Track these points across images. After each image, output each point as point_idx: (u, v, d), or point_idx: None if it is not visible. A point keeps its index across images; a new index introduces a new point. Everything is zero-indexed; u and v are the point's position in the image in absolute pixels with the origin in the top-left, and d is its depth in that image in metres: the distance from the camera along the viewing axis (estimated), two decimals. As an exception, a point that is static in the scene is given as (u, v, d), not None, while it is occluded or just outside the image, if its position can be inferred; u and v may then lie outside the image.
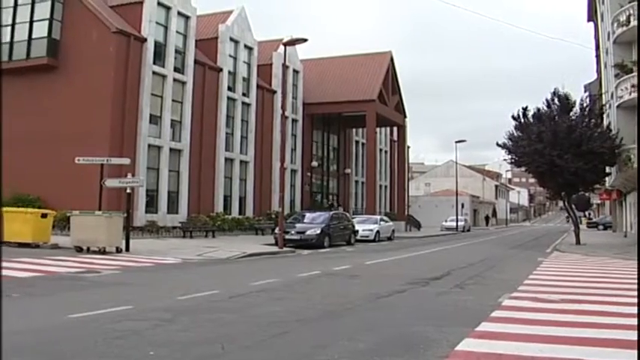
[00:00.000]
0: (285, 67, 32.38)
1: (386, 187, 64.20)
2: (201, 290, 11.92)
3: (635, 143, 30.15)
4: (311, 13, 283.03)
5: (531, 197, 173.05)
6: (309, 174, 49.96)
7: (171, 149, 34.69)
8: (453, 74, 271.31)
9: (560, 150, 31.56)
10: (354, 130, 58.66)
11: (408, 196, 67.16)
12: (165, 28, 34.87)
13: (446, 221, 68.65)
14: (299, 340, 7.99)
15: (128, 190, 23.11)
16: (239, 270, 17.97)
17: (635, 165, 30.54)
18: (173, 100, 35.05)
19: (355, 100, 48.97)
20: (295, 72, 48.89)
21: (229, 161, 40.12)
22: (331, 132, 55.21)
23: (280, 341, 7.77)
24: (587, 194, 67.88)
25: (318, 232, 28.73)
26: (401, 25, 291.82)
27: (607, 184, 46.11)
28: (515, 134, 35.25)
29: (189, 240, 30.07)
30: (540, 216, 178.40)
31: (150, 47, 33.28)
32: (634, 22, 31.82)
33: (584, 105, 34.98)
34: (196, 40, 37.13)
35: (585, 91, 49.26)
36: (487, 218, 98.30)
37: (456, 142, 66.22)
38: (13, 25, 33.53)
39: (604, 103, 40.86)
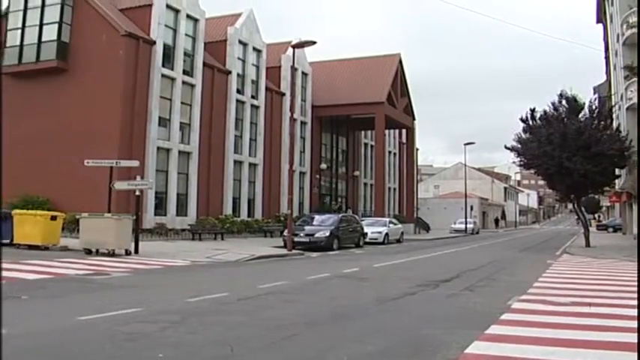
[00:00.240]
0: (293, 69, 32.36)
1: (395, 189, 64.13)
2: (211, 293, 11.91)
3: (636, 145, 30.05)
4: (319, 15, 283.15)
5: (540, 199, 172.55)
6: (317, 176, 49.93)
7: (180, 152, 34.73)
8: (461, 75, 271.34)
9: (569, 152, 31.48)
10: (362, 132, 58.61)
11: (416, 198, 67.10)
12: (174, 30, 34.94)
13: (455, 223, 68.51)
14: (308, 342, 7.98)
15: (137, 193, 23.15)
16: (248, 272, 17.96)
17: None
18: (182, 103, 35.10)
19: (364, 102, 48.90)
20: (304, 74, 48.89)
21: (238, 164, 40.14)
22: (340, 134, 55.16)
23: (289, 344, 7.77)
24: (596, 196, 67.62)
25: (327, 234, 28.70)
26: (409, 27, 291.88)
27: (617, 187, 45.96)
28: (524, 137, 35.18)
29: (198, 242, 30.09)
30: (550, 218, 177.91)
31: (159, 50, 33.34)
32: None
33: (594, 107, 34.84)
34: (205, 43, 37.18)
35: (595, 93, 49.09)
36: (497, 221, 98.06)
37: (465, 144, 66.14)
38: (23, 29, 33.67)
39: (613, 104, 40.75)
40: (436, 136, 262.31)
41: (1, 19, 33.55)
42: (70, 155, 30.12)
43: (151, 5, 33.62)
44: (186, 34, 35.58)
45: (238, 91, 40.31)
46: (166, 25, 34.28)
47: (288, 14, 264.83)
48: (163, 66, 33.71)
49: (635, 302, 11.13)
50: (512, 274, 18.65)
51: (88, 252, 20.54)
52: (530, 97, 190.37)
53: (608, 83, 51.53)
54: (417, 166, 71.00)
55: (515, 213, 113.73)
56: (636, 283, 15.05)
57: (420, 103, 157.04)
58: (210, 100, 37.37)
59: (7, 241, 21.90)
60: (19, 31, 33.75)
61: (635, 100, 32.91)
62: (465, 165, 73.00)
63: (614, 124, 37.46)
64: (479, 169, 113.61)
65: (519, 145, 35.42)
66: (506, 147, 36.60)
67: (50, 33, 32.97)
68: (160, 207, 33.46)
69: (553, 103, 34.86)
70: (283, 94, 45.14)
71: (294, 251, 26.03)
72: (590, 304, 11.36)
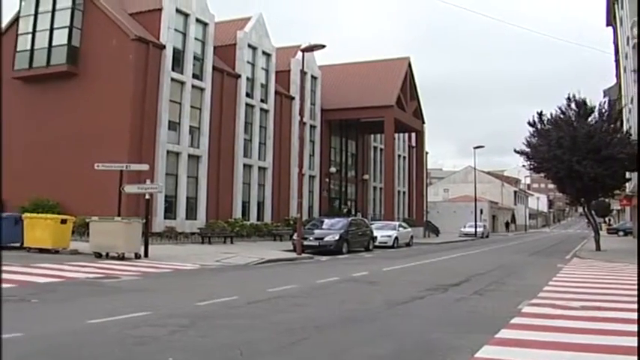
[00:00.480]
0: (303, 73, 32.39)
1: (404, 193, 64.05)
2: (220, 296, 11.93)
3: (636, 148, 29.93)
4: (327, 19, 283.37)
5: (550, 203, 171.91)
6: (327, 180, 49.91)
7: (189, 155, 34.79)
8: (472, 79, 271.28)
9: (579, 156, 31.40)
10: (372, 136, 58.55)
11: (426, 202, 66.93)
12: (184, 35, 35.02)
13: (464, 227, 68.32)
14: (317, 346, 7.98)
15: (147, 196, 23.19)
16: (257, 276, 17.97)
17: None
18: (192, 107, 35.16)
19: (373, 106, 48.86)
20: (313, 78, 48.91)
21: (248, 167, 40.17)
22: (349, 138, 55.15)
23: (299, 347, 7.77)
24: (607, 200, 67.36)
25: (337, 238, 28.67)
26: (418, 30, 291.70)
27: (627, 190, 45.75)
28: (534, 140, 35.11)
29: (207, 246, 30.11)
30: (560, 222, 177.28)
31: (168, 54, 33.43)
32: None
33: (603, 110, 34.73)
34: (215, 47, 37.25)
35: (604, 96, 48.91)
36: (507, 224, 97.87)
37: (475, 147, 65.92)
38: (33, 33, 33.83)
39: (622, 106, 40.61)
40: (446, 140, 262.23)
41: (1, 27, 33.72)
42: (80, 159, 30.22)
43: (160, 9, 33.71)
44: (195, 38, 35.64)
45: (248, 95, 40.36)
46: (176, 30, 34.36)
47: (297, 18, 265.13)
48: (173, 70, 33.78)
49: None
50: (522, 278, 18.60)
51: (98, 255, 20.60)
52: (540, 100, 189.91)
53: (618, 86, 51.36)
54: (426, 169, 70.81)
55: (525, 216, 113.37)
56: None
57: (429, 106, 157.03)
58: (220, 103, 37.41)
59: (18, 244, 22.04)
60: (30, 35, 33.93)
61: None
62: (475, 168, 72.80)
63: (625, 127, 37.35)
64: (489, 173, 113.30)
65: (529, 149, 35.37)
66: (515, 151, 36.59)
67: (61, 37, 33.11)
68: (170, 210, 33.51)
69: (560, 107, 34.79)
70: (293, 98, 45.16)
71: (303, 255, 26.04)
72: (600, 309, 11.32)
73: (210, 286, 14.74)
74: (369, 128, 55.21)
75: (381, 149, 58.59)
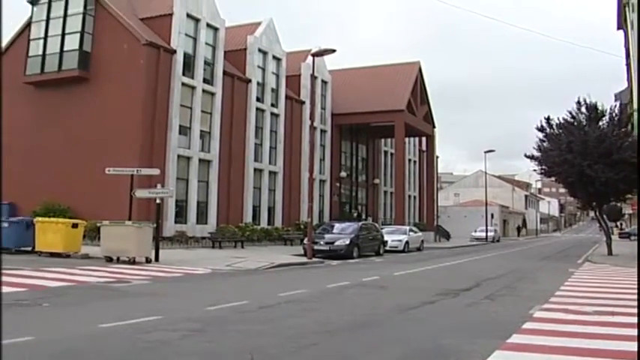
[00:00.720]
0: (313, 77, 32.43)
1: (415, 197, 63.99)
2: (231, 301, 11.92)
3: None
4: (337, 23, 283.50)
5: (562, 207, 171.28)
6: (337, 184, 49.90)
7: (200, 160, 34.84)
8: (482, 83, 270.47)
9: (590, 160, 31.26)
10: (382, 140, 58.56)
11: (437, 206, 66.83)
12: (195, 39, 35.10)
13: (475, 231, 68.20)
14: (328, 351, 7.97)
15: (158, 201, 23.21)
16: (268, 280, 17.96)
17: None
18: (202, 111, 35.23)
19: (384, 110, 48.86)
20: (324, 82, 48.95)
21: (258, 172, 40.20)
22: (360, 142, 55.15)
23: (309, 352, 7.75)
24: (618, 204, 67.02)
25: (347, 242, 28.62)
26: (428, 34, 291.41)
27: (639, 194, 45.48)
28: (544, 145, 35.00)
29: (218, 250, 30.14)
30: (571, 226, 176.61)
31: (179, 59, 33.51)
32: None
33: (614, 114, 34.57)
34: (225, 52, 37.32)
35: (616, 100, 48.69)
36: (519, 228, 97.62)
37: (485, 152, 65.90)
38: (45, 38, 34.02)
39: (634, 109, 40.41)
40: (456, 144, 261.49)
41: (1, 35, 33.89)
42: (92, 163, 30.31)
43: (171, 15, 33.81)
44: (206, 43, 35.74)
45: (258, 100, 40.41)
46: (187, 34, 34.45)
47: (307, 22, 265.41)
48: (184, 74, 33.86)
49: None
50: (533, 282, 18.52)
51: (109, 260, 20.64)
52: (552, 104, 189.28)
53: (629, 90, 51.13)
54: (437, 173, 70.74)
55: (536, 221, 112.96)
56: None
57: (440, 110, 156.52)
58: (231, 108, 37.47)
59: (30, 248, 22.13)
60: (42, 40, 34.13)
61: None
62: (486, 173, 72.68)
63: (636, 131, 37.15)
64: (499, 177, 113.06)
65: (539, 154, 35.26)
66: (526, 155, 36.48)
67: (72, 42, 33.26)
68: (181, 215, 33.56)
69: (571, 112, 34.66)
70: (303, 102, 45.21)
71: (314, 259, 26.00)
72: (613, 314, 11.26)
73: (221, 290, 14.74)
74: (380, 132, 55.23)
75: (391, 153, 58.58)
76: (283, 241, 38.65)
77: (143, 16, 34.79)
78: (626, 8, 47.01)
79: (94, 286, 14.13)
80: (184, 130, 34.12)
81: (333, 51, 28.41)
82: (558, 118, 34.98)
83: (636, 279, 19.50)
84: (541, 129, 35.29)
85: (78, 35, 33.16)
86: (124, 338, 8.12)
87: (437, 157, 67.64)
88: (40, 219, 22.67)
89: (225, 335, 8.58)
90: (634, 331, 9.26)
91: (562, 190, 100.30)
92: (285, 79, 43.42)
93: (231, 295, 13.24)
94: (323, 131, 48.51)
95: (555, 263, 29.30)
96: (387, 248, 33.93)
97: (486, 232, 65.08)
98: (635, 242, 59.71)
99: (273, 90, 42.31)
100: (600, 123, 33.94)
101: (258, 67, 40.74)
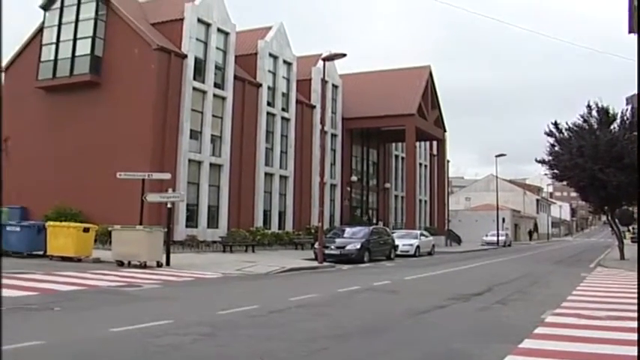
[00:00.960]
0: (324, 82, 32.41)
1: (426, 201, 63.84)
2: (241, 305, 11.91)
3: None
4: (346, 27, 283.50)
5: (573, 211, 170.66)
6: (348, 188, 49.87)
7: (211, 164, 34.89)
8: (493, 86, 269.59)
9: (601, 164, 31.14)
10: (393, 144, 58.47)
11: (448, 210, 66.70)
12: (205, 44, 35.18)
13: (486, 236, 68.00)
14: (339, 355, 7.95)
15: (169, 205, 23.25)
16: (278, 285, 17.96)
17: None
18: (213, 116, 35.28)
19: (394, 114, 48.79)
20: (334, 87, 48.94)
21: (269, 176, 40.22)
22: (370, 146, 55.09)
23: (320, 357, 7.74)
24: (630, 208, 66.75)
25: (358, 246, 28.56)
26: (438, 38, 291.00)
27: (652, 198, 45.27)
28: (555, 149, 34.91)
29: (229, 254, 30.15)
30: (583, 230, 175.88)
31: (190, 63, 33.59)
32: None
33: (626, 118, 34.44)
34: (236, 56, 37.37)
35: (627, 104, 48.47)
36: (530, 233, 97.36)
37: (496, 156, 65.72)
38: (57, 44, 34.20)
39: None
40: (467, 148, 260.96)
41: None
42: (103, 168, 30.40)
43: (182, 19, 33.92)
44: (217, 48, 35.81)
45: (269, 104, 40.45)
46: (197, 39, 34.54)
47: (317, 27, 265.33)
48: (194, 79, 33.94)
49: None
50: (545, 287, 18.46)
51: (120, 264, 20.68)
52: (563, 108, 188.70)
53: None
54: (447, 178, 70.58)
55: (548, 225, 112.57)
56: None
57: (451, 114, 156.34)
58: (241, 112, 37.51)
59: (41, 252, 22.20)
60: (54, 45, 34.30)
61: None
62: (497, 177, 72.57)
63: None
64: (510, 181, 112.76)
65: (550, 158, 35.18)
66: (537, 160, 36.42)
67: (84, 47, 33.42)
68: (191, 219, 33.60)
69: (582, 115, 34.55)
70: (314, 107, 45.22)
71: (324, 264, 25.96)
72: (626, 319, 11.19)
73: (232, 294, 14.75)
74: (391, 137, 55.16)
75: (402, 158, 58.49)
76: (294, 245, 38.64)
77: (154, 21, 34.91)
78: (638, 12, 46.79)
79: (105, 291, 14.15)
80: (195, 135, 34.19)
81: (344, 55, 28.39)
82: (567, 123, 34.91)
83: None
84: (550, 134, 35.21)
85: (89, 40, 33.32)
86: (134, 342, 8.12)
87: (448, 162, 67.48)
88: (51, 223, 22.74)
89: (236, 339, 8.57)
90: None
91: (573, 194, 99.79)
92: (295, 83, 43.46)
93: (242, 299, 13.24)
94: (334, 135, 48.49)
95: (567, 268, 29.18)
96: (398, 252, 33.85)
97: (497, 236, 64.88)
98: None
99: (283, 94, 42.36)
100: (611, 127, 33.81)
101: (269, 71, 40.79)
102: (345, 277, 20.87)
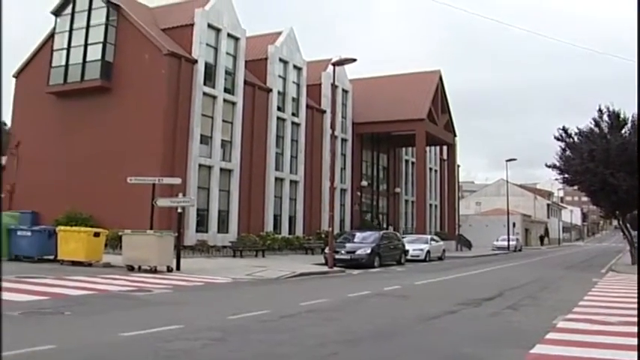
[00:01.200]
0: (334, 86, 32.41)
1: (436, 206, 63.75)
2: (252, 310, 11.91)
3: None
4: (355, 31, 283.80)
5: (584, 216, 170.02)
6: (358, 193, 49.86)
7: (221, 169, 34.93)
8: (503, 90, 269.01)
9: (613, 168, 31.01)
10: (403, 149, 58.46)
11: (458, 215, 66.60)
12: (216, 49, 35.26)
13: (497, 241, 67.85)
14: (349, 361, 7.93)
15: (179, 210, 23.29)
16: (289, 290, 17.94)
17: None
18: (223, 121, 35.33)
19: (404, 119, 48.75)
20: (344, 91, 48.98)
21: (279, 181, 40.25)
22: (381, 151, 55.08)
23: (330, 362, 7.72)
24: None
25: (369, 251, 28.51)
26: (448, 41, 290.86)
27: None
28: (566, 153, 34.79)
29: (239, 259, 30.15)
30: (594, 235, 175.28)
31: (200, 69, 33.67)
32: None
33: (637, 122, 34.26)
34: (246, 61, 37.42)
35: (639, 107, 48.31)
36: (542, 238, 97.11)
37: (507, 160, 65.58)
38: (68, 49, 34.35)
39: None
40: (477, 153, 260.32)
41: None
42: (114, 172, 30.48)
43: (192, 25, 34.02)
44: (227, 53, 35.88)
45: (279, 109, 40.49)
46: (208, 44, 34.63)
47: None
48: (205, 84, 34.00)
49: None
50: (556, 292, 18.39)
51: (131, 268, 20.71)
52: (574, 112, 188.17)
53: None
54: (458, 182, 70.51)
55: (559, 230, 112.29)
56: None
57: (461, 119, 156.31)
58: (251, 117, 37.56)
59: (52, 257, 22.28)
60: (65, 51, 34.46)
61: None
62: (507, 181, 72.30)
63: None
64: (521, 186, 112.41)
65: (561, 162, 35.06)
66: (547, 165, 36.28)
67: (95, 53, 33.55)
68: (202, 224, 33.63)
69: (595, 119, 34.41)
70: (324, 112, 45.24)
71: (335, 269, 25.91)
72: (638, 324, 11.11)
73: (242, 299, 14.73)
74: (401, 141, 55.14)
75: (412, 162, 58.47)
76: (304, 250, 38.63)
77: (164, 27, 35.03)
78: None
79: (116, 295, 14.17)
80: (205, 140, 34.24)
81: (354, 60, 28.38)
82: (577, 127, 34.80)
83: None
84: (560, 139, 35.11)
85: (100, 46, 33.44)
86: (145, 347, 8.12)
87: (458, 166, 67.44)
88: (62, 228, 22.81)
89: (247, 344, 8.57)
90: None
91: (585, 199, 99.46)
92: (305, 88, 43.51)
93: (252, 304, 13.24)
94: (344, 140, 48.51)
95: (578, 273, 29.07)
96: (409, 257, 33.81)
97: (508, 241, 64.72)
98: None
99: (293, 99, 42.40)
100: (623, 131, 33.65)
101: (279, 76, 40.85)
102: (355, 282, 20.84)
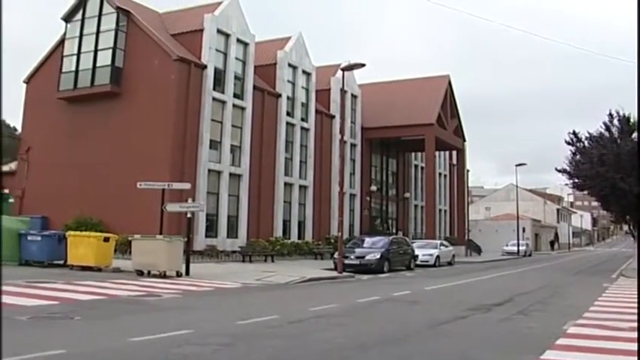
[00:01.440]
0: (343, 91, 32.42)
1: (445, 211, 63.64)
2: (261, 315, 11.89)
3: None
4: (364, 37, 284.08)
5: (594, 221, 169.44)
6: (368, 198, 49.83)
7: (230, 174, 34.97)
8: (512, 95, 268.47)
9: (623, 173, 30.90)
10: (412, 154, 58.43)
11: (467, 220, 66.43)
12: (225, 55, 35.34)
13: (507, 246, 67.65)
14: (359, 366, 7.91)
15: (188, 215, 23.30)
16: (298, 295, 17.92)
17: None
18: (233, 126, 35.39)
19: (414, 124, 48.75)
20: (353, 96, 48.99)
21: (288, 186, 40.26)
22: (390, 156, 55.06)
23: (340, 367, 7.70)
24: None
25: (378, 256, 28.46)
26: (457, 46, 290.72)
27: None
28: (576, 158, 34.71)
29: (248, 264, 30.14)
30: (604, 240, 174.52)
31: (210, 74, 33.74)
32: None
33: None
34: (255, 66, 37.50)
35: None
36: (552, 243, 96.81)
37: (517, 165, 65.45)
38: (78, 55, 34.50)
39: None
40: (487, 158, 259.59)
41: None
42: (123, 177, 30.58)
43: (202, 30, 34.11)
44: (236, 58, 35.94)
45: (288, 114, 40.53)
46: (217, 50, 34.71)
47: (332, 36, 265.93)
48: (214, 89, 34.07)
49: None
50: (566, 297, 18.31)
51: (140, 273, 20.73)
52: (584, 116, 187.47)
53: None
54: (467, 187, 70.35)
55: (569, 235, 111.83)
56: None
57: (470, 123, 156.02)
58: (261, 122, 37.60)
59: (62, 262, 22.33)
60: (75, 57, 34.60)
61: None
62: (517, 186, 72.11)
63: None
64: (531, 191, 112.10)
65: (571, 167, 34.97)
66: (557, 169, 36.21)
67: (104, 58, 33.67)
68: (211, 229, 33.66)
69: (605, 123, 34.32)
70: (333, 117, 45.26)
71: (344, 274, 25.88)
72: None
73: (251, 304, 14.72)
74: (410, 146, 55.11)
75: (421, 167, 58.40)
76: (313, 255, 38.59)
77: (174, 32, 35.15)
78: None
79: (125, 300, 14.18)
80: (215, 145, 34.29)
81: (363, 65, 28.37)
82: (588, 132, 34.71)
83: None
84: (570, 143, 35.02)
85: (110, 51, 33.56)
86: (154, 352, 8.13)
87: (467, 171, 67.31)
88: (72, 233, 22.87)
89: (256, 350, 8.55)
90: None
91: (595, 204, 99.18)
92: (314, 93, 43.54)
93: (262, 309, 13.22)
94: (353, 145, 48.51)
95: (589, 278, 28.94)
96: (418, 262, 33.75)
97: (518, 246, 64.54)
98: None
99: (303, 104, 42.43)
100: (633, 135, 33.53)
101: (288, 81, 40.90)
102: (364, 288, 20.81)
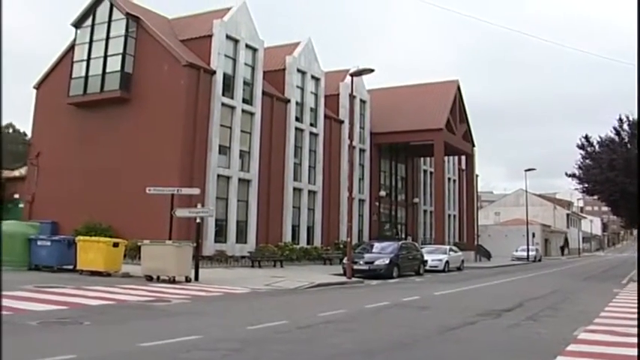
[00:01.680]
0: (352, 97, 32.40)
1: (455, 216, 63.53)
2: (270, 320, 11.89)
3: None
4: (373, 42, 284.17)
5: (604, 226, 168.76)
6: (377, 203, 49.78)
7: (240, 179, 34.99)
8: (522, 100, 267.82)
9: (633, 177, 30.78)
10: (421, 159, 58.35)
11: (477, 225, 66.29)
12: (234, 60, 35.39)
13: (516, 251, 67.51)
14: (368, 372, 7.89)
15: (198, 220, 23.33)
16: (307, 300, 17.90)
17: None
18: (242, 131, 35.41)
19: (423, 129, 48.70)
20: (362, 102, 48.97)
21: (297, 191, 40.25)
22: (399, 161, 55.01)
23: (349, 373, 7.68)
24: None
25: (387, 262, 28.41)
26: (465, 51, 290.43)
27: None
28: (586, 163, 34.62)
29: (257, 270, 30.15)
30: (614, 245, 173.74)
31: (219, 79, 33.79)
32: None
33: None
34: (264, 72, 37.53)
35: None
36: (562, 248, 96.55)
37: (526, 170, 65.33)
38: (88, 60, 34.60)
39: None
40: (496, 163, 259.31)
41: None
42: (132, 183, 30.63)
43: (211, 36, 34.18)
44: (245, 64, 35.98)
45: (297, 119, 40.54)
46: (226, 55, 34.75)
47: (341, 41, 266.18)
48: (223, 95, 34.11)
49: None
50: (576, 303, 18.23)
51: (149, 279, 20.77)
52: (594, 122, 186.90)
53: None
54: (476, 192, 70.24)
55: (579, 240, 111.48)
56: None
57: (479, 128, 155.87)
58: (270, 128, 37.63)
59: (71, 267, 22.40)
60: (85, 62, 34.71)
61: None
62: (526, 191, 71.98)
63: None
64: (540, 196, 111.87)
65: (581, 172, 34.88)
66: (567, 174, 36.10)
67: (114, 64, 33.77)
68: (220, 234, 33.67)
69: (615, 128, 34.22)
70: (342, 122, 45.24)
71: (353, 279, 25.84)
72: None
73: (260, 310, 14.71)
74: (419, 151, 55.01)
75: (430, 172, 58.26)
76: (322, 260, 38.57)
77: (183, 38, 35.24)
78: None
79: (134, 305, 14.20)
80: (224, 150, 34.33)
81: (372, 70, 28.36)
82: (600, 136, 34.61)
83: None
84: (582, 146, 34.93)
85: (120, 57, 33.66)
86: (163, 357, 8.14)
87: (477, 176, 67.20)
88: (81, 238, 22.95)
89: (265, 355, 8.55)
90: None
91: (605, 209, 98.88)
92: (323, 98, 43.53)
93: (271, 314, 13.22)
94: (362, 150, 48.48)
95: (599, 283, 28.82)
96: (427, 268, 33.66)
97: (527, 251, 64.37)
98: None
99: (312, 109, 42.43)
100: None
101: (297, 86, 40.93)
102: (373, 293, 20.78)
